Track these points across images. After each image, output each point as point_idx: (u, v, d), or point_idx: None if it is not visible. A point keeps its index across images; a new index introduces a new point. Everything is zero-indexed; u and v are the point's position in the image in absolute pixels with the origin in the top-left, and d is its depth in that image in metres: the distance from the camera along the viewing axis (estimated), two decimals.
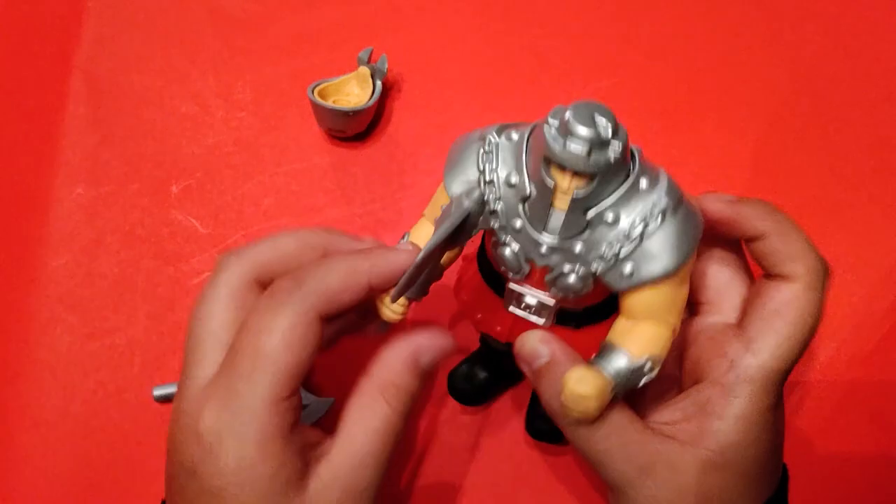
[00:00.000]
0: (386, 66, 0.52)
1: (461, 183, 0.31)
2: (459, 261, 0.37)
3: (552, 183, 0.29)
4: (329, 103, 0.50)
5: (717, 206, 0.33)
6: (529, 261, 0.31)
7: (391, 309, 0.34)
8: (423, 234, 0.35)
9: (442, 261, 0.35)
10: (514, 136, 0.31)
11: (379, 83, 0.52)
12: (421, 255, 0.30)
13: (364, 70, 0.53)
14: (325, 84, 0.52)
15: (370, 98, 0.52)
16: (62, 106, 0.55)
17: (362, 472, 0.31)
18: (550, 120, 0.29)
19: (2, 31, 0.58)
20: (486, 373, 0.43)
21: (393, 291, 0.32)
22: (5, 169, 0.53)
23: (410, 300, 0.33)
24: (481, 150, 0.31)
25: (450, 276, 0.37)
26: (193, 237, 0.51)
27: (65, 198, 0.52)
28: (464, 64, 0.57)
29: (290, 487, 0.30)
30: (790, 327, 0.31)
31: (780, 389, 0.32)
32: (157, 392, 0.46)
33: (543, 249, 0.31)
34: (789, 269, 0.32)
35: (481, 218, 0.31)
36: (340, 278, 0.31)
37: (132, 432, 0.46)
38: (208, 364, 0.31)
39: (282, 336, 0.29)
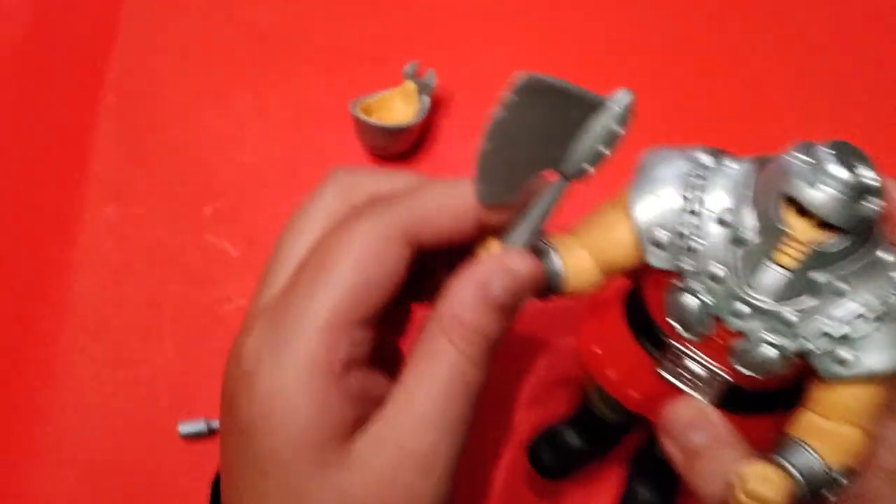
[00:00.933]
0: (434, 80, 0.50)
1: (652, 207, 0.27)
2: (590, 303, 0.33)
3: (784, 230, 0.25)
4: (372, 120, 0.48)
5: None
6: (718, 320, 0.27)
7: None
8: (570, 252, 0.29)
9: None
10: (734, 165, 0.27)
11: (426, 99, 0.49)
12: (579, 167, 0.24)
13: (410, 85, 0.50)
14: (368, 100, 0.49)
15: (416, 115, 0.49)
16: (93, 123, 0.52)
17: (424, 433, 0.25)
18: (797, 153, 0.25)
19: (34, 48, 0.55)
20: (581, 442, 0.38)
21: (513, 231, 0.27)
22: (34, 189, 0.51)
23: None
24: (690, 172, 0.27)
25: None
26: (225, 261, 0.49)
27: (93, 218, 0.50)
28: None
29: (332, 438, 0.25)
30: None
31: None
32: (184, 429, 0.43)
33: (744, 309, 0.26)
34: None
35: None
36: (440, 199, 0.26)
37: (157, 470, 0.44)
38: (279, 285, 0.27)
39: (350, 250, 0.25)
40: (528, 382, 0.45)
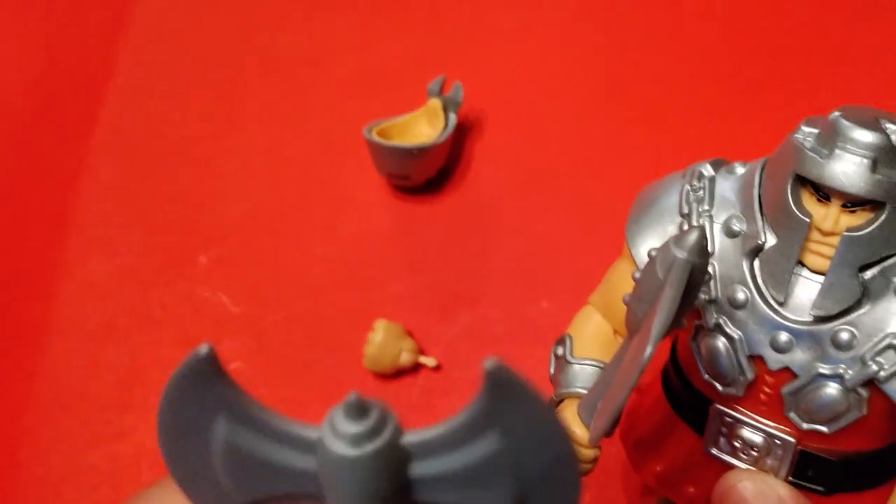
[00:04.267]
0: (461, 95, 0.45)
1: (649, 235, 0.25)
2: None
3: (807, 221, 0.21)
4: (387, 141, 0.43)
5: None
6: (756, 359, 0.23)
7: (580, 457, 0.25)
8: (594, 333, 0.27)
9: None
10: (740, 168, 0.24)
11: (453, 116, 0.45)
12: (637, 370, 0.20)
13: (434, 103, 0.45)
14: (387, 124, 0.45)
15: (440, 134, 0.44)
16: (82, 166, 0.50)
17: None
18: (805, 127, 0.22)
19: (32, 86, 0.54)
20: None
21: (592, 431, 0.24)
22: (12, 236, 0.48)
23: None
24: (686, 188, 0.24)
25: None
26: (224, 318, 0.45)
27: (75, 272, 0.47)
28: (559, 94, 0.50)
29: None
30: None
31: None
32: None
33: (782, 338, 0.22)
34: None
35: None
36: None
37: None
38: None
39: None
40: None
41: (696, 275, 0.19)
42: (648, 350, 0.19)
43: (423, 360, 0.41)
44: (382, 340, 0.39)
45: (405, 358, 0.40)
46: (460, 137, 0.48)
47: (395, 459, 0.16)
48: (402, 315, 0.42)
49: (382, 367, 0.40)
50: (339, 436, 0.15)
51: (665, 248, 0.20)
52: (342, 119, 0.50)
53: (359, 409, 0.16)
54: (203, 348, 0.16)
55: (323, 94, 0.51)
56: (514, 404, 0.15)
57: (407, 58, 0.52)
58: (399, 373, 0.41)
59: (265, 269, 0.46)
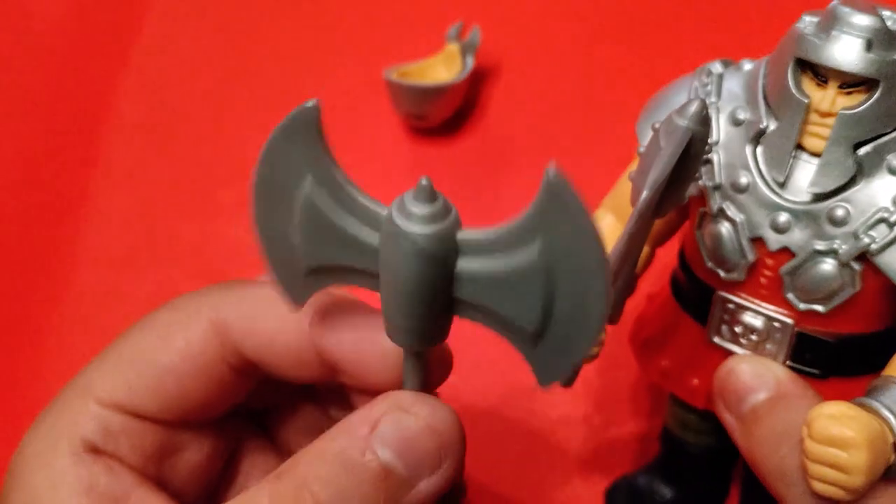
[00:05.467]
0: (479, 38, 0.47)
1: None
2: (641, 300, 0.30)
3: (805, 101, 0.22)
4: (407, 80, 0.45)
5: None
6: (756, 241, 0.24)
7: None
8: (605, 233, 0.27)
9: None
10: (747, 65, 0.26)
11: (470, 59, 0.46)
12: (632, 222, 0.21)
13: (452, 48, 0.47)
14: (406, 69, 0.47)
15: (458, 76, 0.45)
16: (110, 103, 0.51)
17: None
18: (807, 17, 0.23)
19: (56, 19, 0.55)
20: (673, 491, 0.32)
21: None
22: (40, 170, 0.49)
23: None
24: (695, 84, 0.26)
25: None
26: (243, 253, 0.45)
27: (100, 204, 0.48)
28: (577, 39, 0.50)
29: None
30: None
31: None
32: None
33: (782, 219, 0.23)
34: None
35: (706, 149, 0.24)
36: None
37: None
38: None
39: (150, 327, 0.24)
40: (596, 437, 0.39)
41: (697, 143, 0.20)
42: (645, 193, 0.20)
43: None
44: None
45: None
46: (477, 82, 0.49)
47: (449, 248, 0.17)
48: None
49: None
50: (406, 213, 0.17)
51: (668, 119, 0.21)
52: (360, 65, 0.50)
53: (428, 194, 0.17)
54: (310, 101, 0.18)
55: (342, 41, 0.52)
56: (563, 214, 0.16)
57: (425, 4, 0.53)
58: None
59: None
